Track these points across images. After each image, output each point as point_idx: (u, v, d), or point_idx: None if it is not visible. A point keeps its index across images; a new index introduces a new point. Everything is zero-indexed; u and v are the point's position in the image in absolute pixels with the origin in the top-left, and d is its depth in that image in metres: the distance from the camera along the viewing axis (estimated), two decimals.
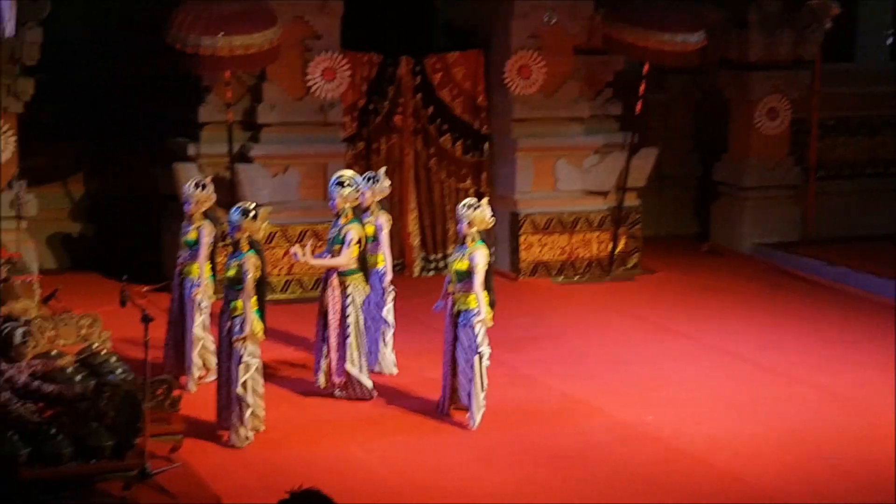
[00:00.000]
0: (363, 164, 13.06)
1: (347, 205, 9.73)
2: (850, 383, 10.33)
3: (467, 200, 9.44)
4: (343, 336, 9.67)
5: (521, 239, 13.53)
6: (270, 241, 12.68)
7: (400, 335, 10.77)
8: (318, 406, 9.72)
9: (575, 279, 13.66)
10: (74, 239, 13.78)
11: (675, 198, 15.43)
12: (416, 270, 13.70)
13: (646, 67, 13.53)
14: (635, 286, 13.49)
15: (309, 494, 4.44)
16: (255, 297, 8.84)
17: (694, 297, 12.94)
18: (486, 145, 13.78)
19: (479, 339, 9.19)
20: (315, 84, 12.88)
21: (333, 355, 9.72)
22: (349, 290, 9.67)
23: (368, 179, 10.35)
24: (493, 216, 9.44)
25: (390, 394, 9.91)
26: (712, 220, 15.13)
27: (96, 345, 9.11)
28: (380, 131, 13.52)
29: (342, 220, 9.75)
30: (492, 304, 9.31)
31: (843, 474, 8.64)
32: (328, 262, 9.75)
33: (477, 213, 9.28)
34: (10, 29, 9.56)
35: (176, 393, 8.57)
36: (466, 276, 9.22)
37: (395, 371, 10.38)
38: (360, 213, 9.98)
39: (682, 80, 15.17)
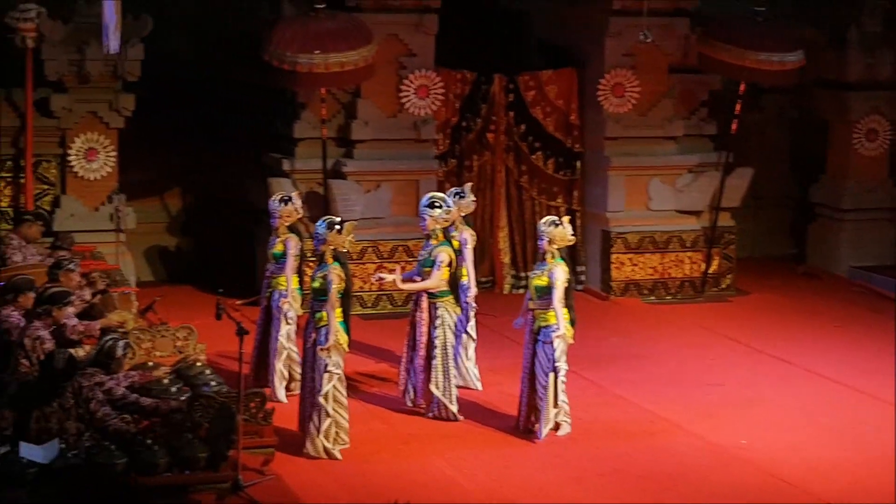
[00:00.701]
0: (455, 181, 13.08)
1: (438, 226, 9.74)
2: None
3: (548, 217, 9.49)
4: (429, 358, 9.69)
5: (613, 258, 13.44)
6: (362, 257, 12.77)
7: (488, 351, 10.79)
8: (405, 421, 9.75)
9: (667, 299, 13.53)
10: (171, 252, 14.00)
11: (771, 219, 15.22)
12: (506, 287, 13.68)
13: (742, 86, 13.38)
14: (729, 307, 13.33)
15: None
16: (339, 309, 8.92)
17: (789, 320, 12.73)
18: (579, 163, 13.74)
19: (556, 355, 9.20)
20: (409, 101, 12.96)
21: (419, 376, 9.74)
22: (439, 312, 9.69)
23: (454, 195, 10.41)
24: (573, 234, 9.45)
25: (478, 410, 9.91)
26: (809, 242, 14.90)
27: (191, 357, 9.23)
28: (472, 148, 13.55)
29: (433, 242, 9.75)
30: (573, 322, 9.31)
31: None
32: (418, 285, 9.76)
33: (557, 230, 9.29)
34: (113, 45, 9.76)
35: (269, 406, 8.64)
36: (546, 293, 9.24)
37: (479, 386, 10.39)
38: (447, 231, 9.96)
39: (778, 99, 14.98)
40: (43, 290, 9.12)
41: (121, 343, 8.46)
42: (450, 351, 9.73)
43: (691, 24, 13.45)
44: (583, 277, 13.69)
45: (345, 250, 9.11)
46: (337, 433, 8.98)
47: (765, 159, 14.80)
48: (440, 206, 9.75)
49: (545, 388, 9.25)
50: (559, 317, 9.21)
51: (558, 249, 9.32)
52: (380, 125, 13.00)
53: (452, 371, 9.74)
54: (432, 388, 9.69)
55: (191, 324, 9.67)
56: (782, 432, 9.63)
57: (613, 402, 10.27)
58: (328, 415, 8.90)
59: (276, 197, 10.38)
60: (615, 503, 8.41)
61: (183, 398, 8.31)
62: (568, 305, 9.29)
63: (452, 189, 10.73)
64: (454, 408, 9.70)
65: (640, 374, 10.96)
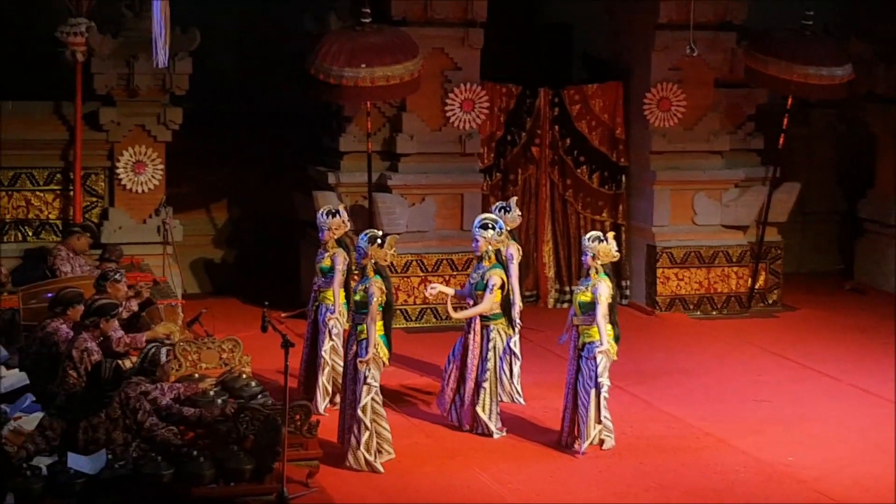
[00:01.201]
0: (500, 194, 13.09)
1: (491, 247, 9.70)
2: None
3: (593, 233, 9.47)
4: (479, 381, 9.67)
5: (658, 272, 13.39)
6: (406, 270, 12.79)
7: (532, 366, 10.77)
8: (449, 435, 9.74)
9: (713, 314, 13.45)
10: (217, 264, 14.09)
11: (818, 234, 15.11)
12: (551, 302, 13.65)
13: (790, 101, 13.30)
14: (776, 323, 13.22)
15: None
16: (380, 322, 8.93)
17: (836, 336, 12.62)
18: (624, 177, 13.70)
19: (599, 371, 9.18)
20: (454, 115, 12.99)
21: (466, 398, 9.73)
22: (491, 336, 9.67)
23: (500, 209, 10.39)
24: (618, 250, 9.41)
25: (522, 425, 9.89)
26: (856, 258, 14.76)
27: (237, 369, 9.27)
28: (517, 162, 13.55)
29: (485, 264, 9.70)
30: (617, 339, 9.29)
31: None
32: (471, 311, 9.70)
33: (602, 246, 9.28)
34: (162, 59, 9.85)
35: (314, 418, 8.66)
36: (590, 309, 9.23)
37: (522, 401, 10.38)
38: (499, 252, 9.89)
39: (826, 113, 14.87)
40: (91, 302, 9.20)
41: (164, 350, 8.52)
42: (499, 374, 9.73)
43: (738, 37, 13.39)
44: (628, 292, 13.65)
45: (386, 264, 9.12)
46: (379, 444, 8.99)
47: (812, 174, 14.70)
48: (493, 228, 9.69)
49: (587, 404, 9.23)
50: (602, 333, 9.19)
51: (602, 265, 9.30)
52: (425, 139, 13.03)
53: (497, 391, 9.73)
54: (478, 409, 9.68)
55: (236, 336, 9.70)
56: (829, 449, 9.54)
57: (659, 417, 10.22)
58: (367, 427, 8.92)
59: (323, 210, 10.39)
60: None
61: (227, 407, 8.34)
62: (612, 321, 9.27)
63: (498, 203, 10.73)
64: (494, 428, 9.67)
65: (685, 390, 10.89)
